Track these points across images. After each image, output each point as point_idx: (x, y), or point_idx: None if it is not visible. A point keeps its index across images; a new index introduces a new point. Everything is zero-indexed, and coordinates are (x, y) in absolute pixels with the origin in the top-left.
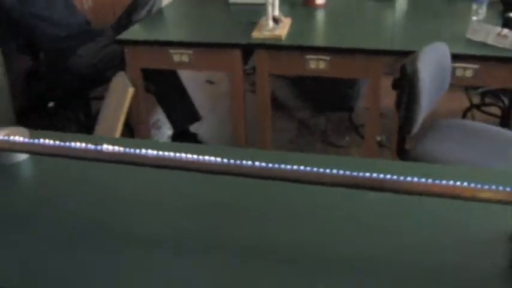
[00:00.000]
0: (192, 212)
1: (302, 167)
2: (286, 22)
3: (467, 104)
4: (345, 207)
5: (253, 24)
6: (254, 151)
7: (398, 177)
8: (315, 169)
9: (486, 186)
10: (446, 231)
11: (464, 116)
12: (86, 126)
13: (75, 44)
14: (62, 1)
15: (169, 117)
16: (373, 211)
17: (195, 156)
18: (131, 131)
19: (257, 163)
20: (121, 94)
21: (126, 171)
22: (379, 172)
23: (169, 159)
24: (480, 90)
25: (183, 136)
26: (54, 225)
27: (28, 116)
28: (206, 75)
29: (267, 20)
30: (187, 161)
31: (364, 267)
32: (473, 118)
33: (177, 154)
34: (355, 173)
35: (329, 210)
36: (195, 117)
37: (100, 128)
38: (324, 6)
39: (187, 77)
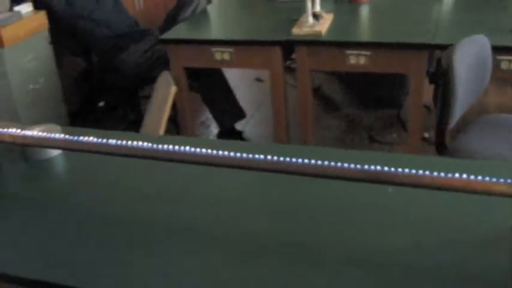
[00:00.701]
0: (205, 205)
1: (307, 161)
2: (328, 18)
3: None
4: (355, 203)
5: (294, 21)
6: (284, 147)
7: (403, 170)
8: (319, 162)
9: (501, 180)
10: (451, 227)
11: None
12: (135, 125)
13: (123, 44)
14: (111, 2)
15: (215, 115)
16: (385, 207)
17: (188, 148)
18: (178, 129)
19: (262, 156)
20: (164, 93)
21: (155, 168)
22: (398, 166)
23: (177, 153)
24: None
25: (229, 134)
26: (81, 219)
27: (80, 116)
28: (255, 73)
29: (306, 16)
30: (180, 153)
31: (366, 265)
32: None
33: (182, 148)
34: (358, 166)
35: (338, 206)
36: (240, 115)
37: (145, 126)
38: (369, 1)
39: (236, 75)
